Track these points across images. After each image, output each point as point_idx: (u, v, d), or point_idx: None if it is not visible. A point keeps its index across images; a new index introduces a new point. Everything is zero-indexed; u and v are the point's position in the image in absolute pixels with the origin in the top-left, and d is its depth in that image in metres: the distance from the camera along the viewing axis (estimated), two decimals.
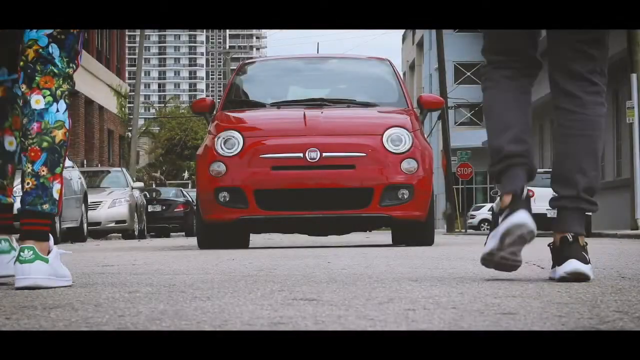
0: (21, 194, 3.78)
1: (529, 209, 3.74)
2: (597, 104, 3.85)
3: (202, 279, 4.24)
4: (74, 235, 18.66)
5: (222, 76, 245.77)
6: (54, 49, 3.78)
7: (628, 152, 24.89)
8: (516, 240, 3.76)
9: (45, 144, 3.70)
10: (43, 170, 3.71)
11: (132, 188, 25.52)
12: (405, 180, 9.94)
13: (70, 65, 3.80)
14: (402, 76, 12.15)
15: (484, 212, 46.78)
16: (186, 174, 75.69)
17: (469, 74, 59.18)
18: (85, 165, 34.26)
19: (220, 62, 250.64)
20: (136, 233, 24.96)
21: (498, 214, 3.81)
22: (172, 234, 33.72)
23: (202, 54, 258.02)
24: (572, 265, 3.68)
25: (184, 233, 33.04)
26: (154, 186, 56.02)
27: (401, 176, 9.94)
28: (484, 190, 60.13)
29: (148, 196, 32.27)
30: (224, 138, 10.04)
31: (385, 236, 18.07)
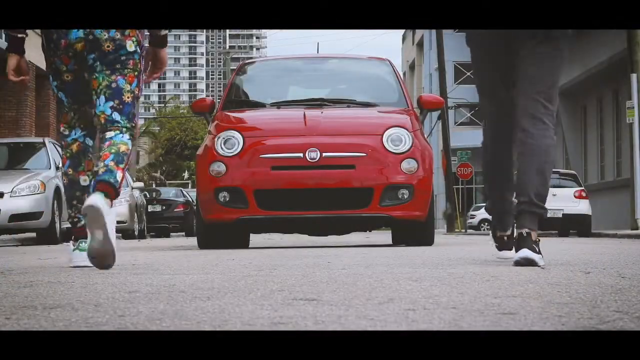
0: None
1: (510, 247, 5.52)
2: (545, 137, 5.21)
3: (202, 279, 4.24)
4: None
5: (222, 76, 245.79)
6: (116, 115, 5.47)
7: (628, 152, 24.90)
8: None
9: (113, 150, 5.34)
10: (110, 163, 5.28)
11: (132, 188, 25.49)
12: (405, 180, 9.93)
13: (129, 122, 5.50)
14: (402, 76, 12.15)
15: (484, 212, 46.66)
16: (186, 174, 75.68)
17: (469, 74, 59.17)
18: None
19: (220, 62, 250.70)
20: (136, 233, 24.95)
21: (498, 248, 5.79)
22: (172, 234, 33.71)
23: (202, 54, 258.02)
24: (524, 253, 4.95)
25: (184, 233, 33.03)
26: (154, 186, 56.02)
27: (401, 176, 9.93)
28: (484, 190, 60.09)
29: (148, 196, 32.26)
30: (224, 138, 10.04)
31: (385, 236, 18.07)
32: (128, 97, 5.47)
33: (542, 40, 5.27)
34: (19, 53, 5.66)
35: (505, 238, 5.73)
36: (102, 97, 5.46)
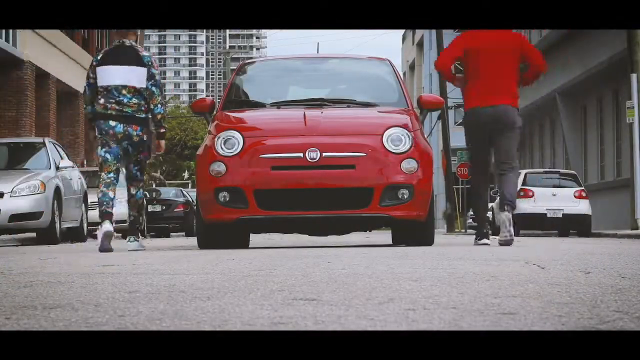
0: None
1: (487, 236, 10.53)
2: (513, 176, 10.26)
3: (202, 279, 4.24)
4: (74, 235, 18.67)
5: (222, 76, 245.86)
6: (137, 174, 10.39)
7: (628, 152, 24.90)
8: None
9: (136, 206, 10.53)
10: (136, 214, 10.61)
11: None
12: (405, 180, 9.92)
13: (142, 176, 10.43)
14: (402, 76, 12.14)
15: None
16: (186, 174, 75.65)
17: None
18: (85, 165, 34.26)
19: (220, 62, 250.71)
20: None
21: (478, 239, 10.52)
22: (172, 234, 33.71)
23: (202, 54, 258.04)
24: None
25: (184, 233, 33.03)
26: (154, 186, 56.01)
27: (401, 176, 9.92)
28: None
29: (148, 196, 32.26)
30: (224, 138, 10.03)
31: (385, 236, 18.07)
32: (144, 164, 10.41)
33: (512, 127, 10.25)
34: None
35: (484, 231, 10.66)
36: (133, 164, 10.30)
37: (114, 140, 10.01)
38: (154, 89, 10.09)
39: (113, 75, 10.01)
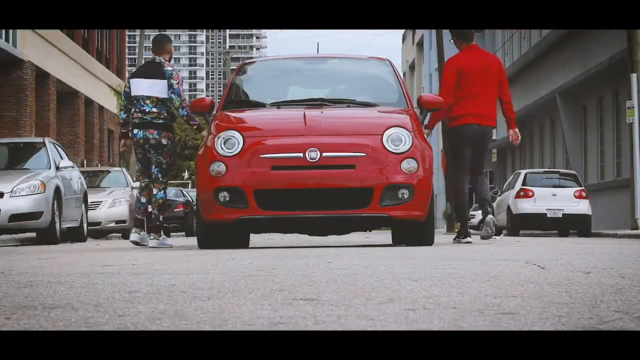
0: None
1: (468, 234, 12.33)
2: (485, 183, 12.25)
3: (202, 279, 4.24)
4: (74, 235, 18.66)
5: (222, 76, 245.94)
6: (159, 175, 11.61)
7: (628, 152, 24.90)
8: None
9: (157, 204, 11.57)
10: (156, 212, 11.61)
11: (132, 188, 25.53)
12: (405, 180, 9.91)
13: (163, 178, 11.67)
14: (402, 76, 12.14)
15: None
16: (186, 174, 75.64)
17: None
18: (85, 165, 34.25)
19: (220, 62, 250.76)
20: None
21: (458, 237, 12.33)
22: (172, 234, 33.70)
23: (202, 54, 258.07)
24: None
25: (184, 233, 33.03)
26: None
27: (401, 176, 9.91)
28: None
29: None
30: (224, 138, 10.02)
31: (385, 236, 18.07)
32: (164, 166, 11.60)
33: (487, 147, 12.16)
34: (127, 137, 11.82)
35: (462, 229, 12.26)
36: (154, 166, 11.53)
37: (139, 147, 11.58)
38: (172, 96, 11.51)
39: (139, 86, 11.62)
